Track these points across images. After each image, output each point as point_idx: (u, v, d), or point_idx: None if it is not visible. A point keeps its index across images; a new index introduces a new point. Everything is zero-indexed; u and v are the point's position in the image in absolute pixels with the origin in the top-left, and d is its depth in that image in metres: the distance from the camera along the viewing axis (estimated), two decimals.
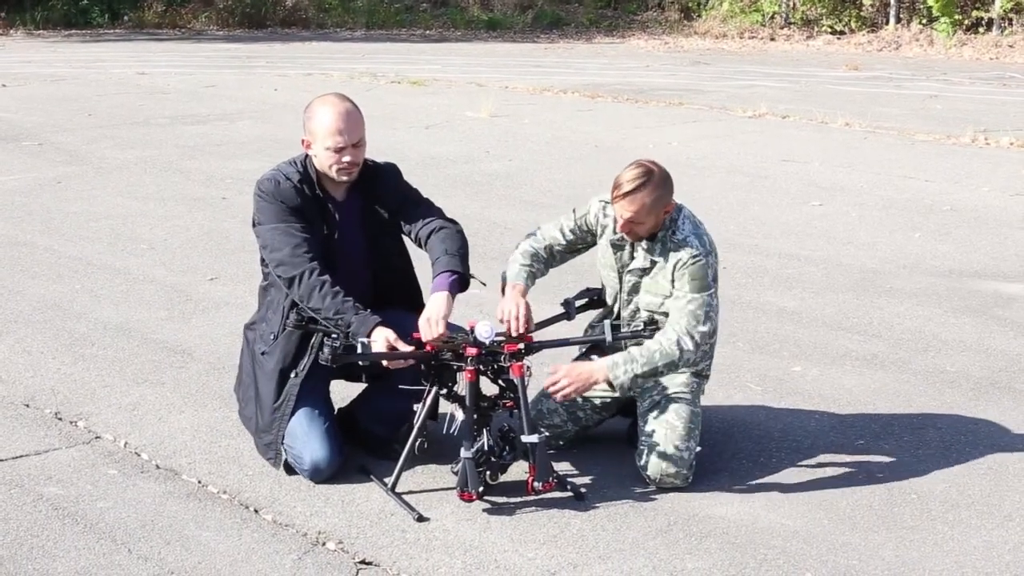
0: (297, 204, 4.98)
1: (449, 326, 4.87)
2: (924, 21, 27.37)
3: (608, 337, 4.84)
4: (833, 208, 10.27)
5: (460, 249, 5.11)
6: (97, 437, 5.39)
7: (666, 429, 4.96)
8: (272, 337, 5.05)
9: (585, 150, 12.69)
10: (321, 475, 4.95)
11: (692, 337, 4.90)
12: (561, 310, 5.20)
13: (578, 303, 5.26)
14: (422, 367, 4.89)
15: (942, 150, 13.32)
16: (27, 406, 5.72)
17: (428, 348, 4.84)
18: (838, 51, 26.11)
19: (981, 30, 26.69)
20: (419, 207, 5.25)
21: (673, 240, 5.00)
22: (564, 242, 5.24)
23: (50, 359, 6.34)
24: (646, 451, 4.95)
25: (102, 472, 5.04)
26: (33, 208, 9.85)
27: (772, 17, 29.69)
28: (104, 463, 5.12)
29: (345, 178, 5.03)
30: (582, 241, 5.25)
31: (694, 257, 4.96)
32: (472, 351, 4.78)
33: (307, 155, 5.08)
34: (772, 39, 28.36)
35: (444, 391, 4.86)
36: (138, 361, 6.34)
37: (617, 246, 5.13)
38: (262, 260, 5.13)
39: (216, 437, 5.39)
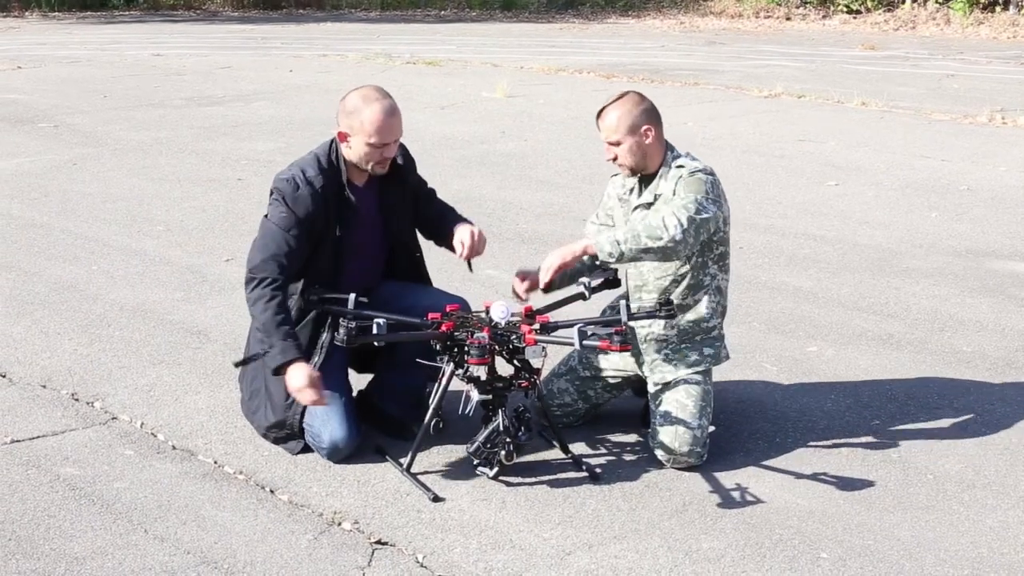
0: (309, 212, 4.91)
1: (463, 307, 4.98)
2: (941, 0, 27.25)
3: (624, 317, 4.83)
4: (849, 188, 10.24)
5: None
6: (114, 418, 5.41)
7: (677, 408, 4.97)
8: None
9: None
10: (339, 454, 4.96)
11: (678, 217, 4.78)
12: (577, 290, 5.20)
13: (594, 283, 5.25)
14: (438, 346, 4.90)
15: (959, 130, 13.27)
16: (44, 387, 5.74)
17: (444, 328, 4.85)
18: (854, 30, 26.01)
19: (998, 9, 26.57)
20: (432, 202, 5.39)
21: (673, 167, 5.04)
22: (597, 224, 5.34)
23: (66, 340, 6.36)
24: (658, 431, 4.97)
25: (118, 452, 5.05)
26: (49, 189, 9.87)
27: None
28: (120, 444, 5.14)
29: (380, 171, 5.04)
30: (612, 222, 5.29)
31: (693, 172, 4.98)
32: (487, 332, 4.79)
33: (332, 143, 5.04)
34: (788, 18, 28.26)
35: (460, 371, 4.86)
36: (154, 342, 6.35)
37: (624, 200, 5.21)
38: None
39: (232, 418, 5.40)
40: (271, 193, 5.00)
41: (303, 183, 4.92)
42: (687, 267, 5.06)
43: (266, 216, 5.01)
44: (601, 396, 5.34)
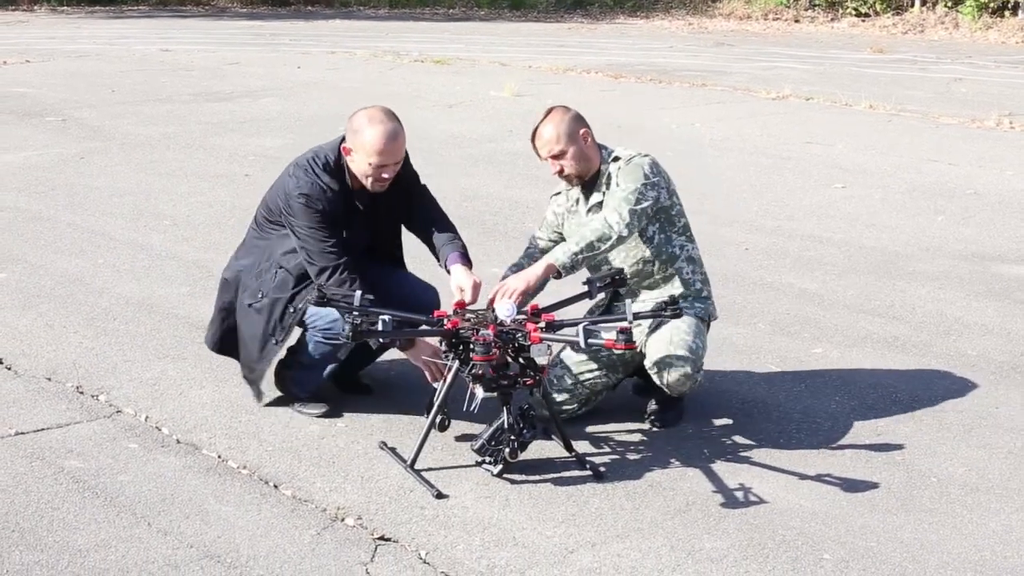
0: (335, 211, 5.20)
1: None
2: (949, 4, 27.19)
3: (629, 316, 4.84)
4: (856, 191, 10.24)
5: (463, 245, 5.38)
6: (118, 411, 5.41)
7: (671, 331, 5.12)
8: (260, 295, 5.31)
9: (608, 130, 12.54)
10: (334, 340, 5.19)
11: (619, 213, 5.10)
12: (583, 289, 5.21)
13: (599, 282, 5.27)
14: (443, 344, 4.92)
15: (966, 133, 13.26)
16: (49, 380, 5.75)
17: (450, 326, 4.85)
18: (863, 33, 25.99)
19: (1007, 13, 26.51)
20: (423, 201, 5.51)
21: (612, 161, 5.30)
22: (543, 246, 5.53)
23: (72, 333, 6.37)
24: (654, 353, 5.10)
25: (123, 446, 5.06)
26: (56, 183, 9.88)
27: None
28: (125, 437, 5.15)
29: (378, 189, 5.24)
30: (560, 238, 5.50)
31: (629, 160, 5.26)
32: (492, 329, 4.79)
33: (338, 151, 5.25)
34: (796, 21, 28.23)
35: (465, 369, 4.87)
36: (160, 336, 6.36)
37: (573, 211, 5.43)
38: (264, 219, 5.43)
39: (236, 412, 5.41)
40: (299, 205, 5.19)
41: (327, 188, 5.21)
42: (650, 250, 5.31)
43: (292, 216, 5.22)
44: (599, 381, 5.37)
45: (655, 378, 5.20)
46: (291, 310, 5.22)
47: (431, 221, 5.45)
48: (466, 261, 5.23)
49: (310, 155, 5.29)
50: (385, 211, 5.38)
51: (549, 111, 5.31)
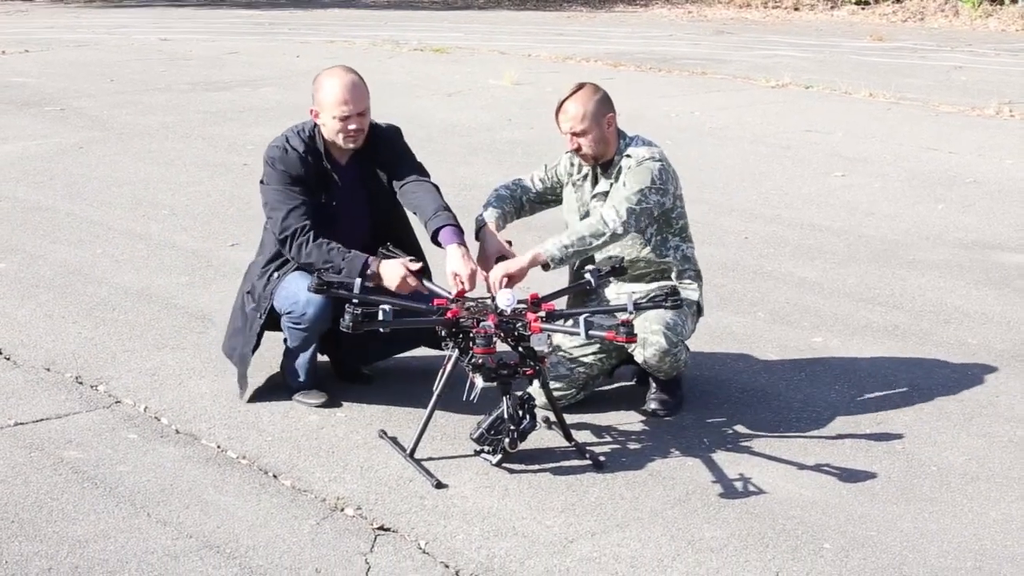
0: (300, 173, 5.28)
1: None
2: None
3: (630, 307, 4.83)
4: (856, 179, 10.23)
5: (445, 203, 5.30)
6: (117, 401, 5.41)
7: (656, 314, 5.14)
8: (256, 277, 5.40)
9: None
10: (309, 317, 5.19)
11: (617, 211, 5.14)
12: (584, 278, 5.21)
13: (600, 270, 5.27)
14: (443, 333, 4.92)
15: (966, 122, 13.24)
16: (48, 370, 5.75)
17: (450, 315, 4.85)
18: (862, 21, 25.93)
19: (1007, 1, 26.46)
20: (404, 166, 5.46)
21: (626, 156, 5.30)
22: (535, 191, 5.54)
23: (71, 323, 6.36)
24: (640, 335, 5.07)
25: (122, 436, 5.06)
26: (55, 173, 9.87)
27: None
28: (124, 427, 5.15)
29: (351, 145, 5.30)
30: (551, 193, 5.55)
31: (641, 162, 5.25)
32: (492, 319, 4.79)
33: (315, 124, 5.35)
34: (796, 9, 28.15)
35: (464, 358, 4.86)
36: (159, 326, 6.36)
37: (578, 186, 5.43)
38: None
39: (235, 402, 5.41)
40: (264, 162, 5.34)
41: (290, 148, 5.31)
42: (648, 249, 5.35)
43: (264, 183, 5.35)
44: (595, 365, 5.38)
45: (636, 357, 5.22)
46: (275, 276, 5.31)
47: (417, 194, 5.34)
48: (460, 239, 5.13)
49: (289, 128, 5.43)
50: (372, 186, 5.40)
51: (580, 87, 5.31)
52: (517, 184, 5.54)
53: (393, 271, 5.06)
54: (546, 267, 5.11)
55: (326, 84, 5.27)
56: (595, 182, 5.38)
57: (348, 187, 5.37)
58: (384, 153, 5.43)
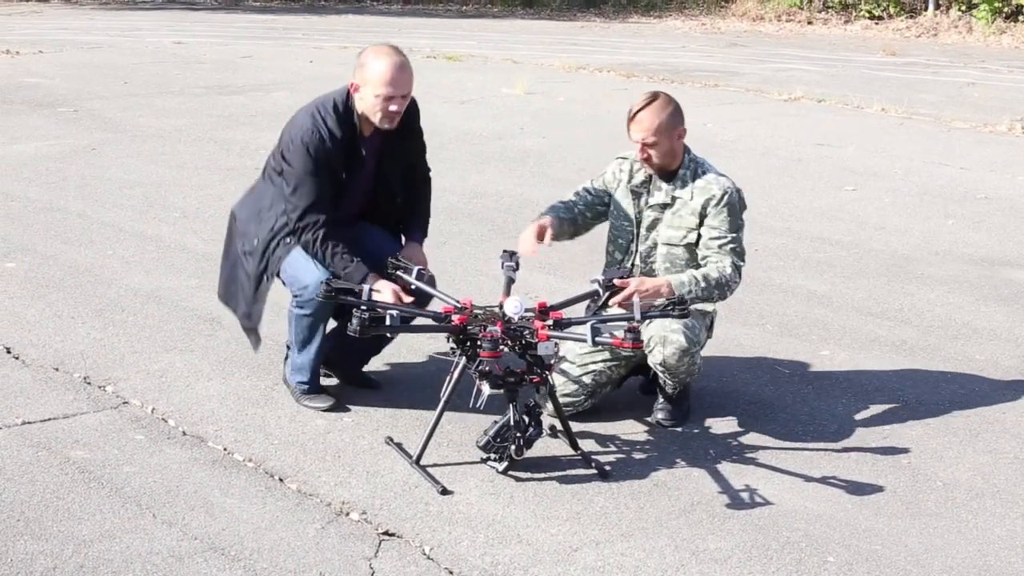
0: (331, 161, 5.25)
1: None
2: (963, 8, 27.11)
3: (637, 315, 4.83)
4: (866, 193, 10.22)
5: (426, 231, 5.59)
6: (125, 402, 5.42)
7: (670, 320, 5.05)
8: (255, 242, 5.37)
9: (619, 129, 12.43)
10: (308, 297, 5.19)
11: (737, 267, 5.27)
12: (591, 287, 5.21)
13: (608, 281, 5.27)
14: (449, 340, 4.92)
15: (978, 138, 13.23)
16: (56, 370, 5.76)
17: (457, 322, 4.85)
18: (876, 36, 25.92)
19: (1021, 18, 26.44)
20: (415, 168, 5.61)
21: (698, 176, 5.33)
22: (583, 204, 5.54)
23: (80, 324, 6.38)
24: (650, 332, 5.13)
25: (129, 437, 5.07)
26: (68, 174, 9.89)
27: (810, 0, 29.50)
28: (131, 428, 5.16)
29: (387, 125, 5.29)
30: (600, 203, 5.54)
31: (726, 192, 5.29)
32: (500, 326, 4.79)
33: (347, 94, 5.31)
34: (810, 22, 28.15)
35: (472, 365, 4.86)
36: (167, 328, 6.37)
37: (636, 192, 5.43)
38: (272, 171, 5.44)
39: (243, 405, 5.42)
40: (297, 144, 5.26)
41: (328, 137, 5.24)
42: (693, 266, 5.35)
43: (290, 164, 5.27)
44: (603, 374, 5.38)
45: (651, 359, 5.21)
46: (287, 241, 5.28)
47: (412, 201, 5.56)
48: (421, 240, 5.48)
49: (319, 101, 5.37)
50: (387, 162, 5.43)
51: (655, 97, 5.32)
52: (568, 201, 5.57)
53: (385, 297, 5.03)
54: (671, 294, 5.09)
55: (375, 62, 5.22)
56: (652, 192, 5.40)
57: (367, 160, 5.37)
58: (407, 139, 5.45)
